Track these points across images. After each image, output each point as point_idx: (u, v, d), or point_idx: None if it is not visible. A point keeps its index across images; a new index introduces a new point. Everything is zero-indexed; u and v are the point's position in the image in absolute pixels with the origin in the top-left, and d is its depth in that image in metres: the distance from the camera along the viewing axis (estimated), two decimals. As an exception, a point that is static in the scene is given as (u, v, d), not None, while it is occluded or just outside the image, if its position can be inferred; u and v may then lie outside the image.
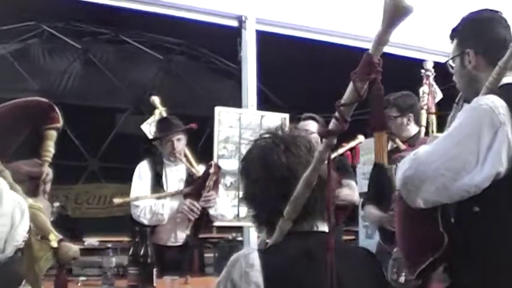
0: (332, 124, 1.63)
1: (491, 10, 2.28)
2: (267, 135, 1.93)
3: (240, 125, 5.05)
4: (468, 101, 2.26)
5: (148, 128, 4.74)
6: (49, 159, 1.97)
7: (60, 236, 1.71)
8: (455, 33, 2.29)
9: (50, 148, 1.96)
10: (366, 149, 5.33)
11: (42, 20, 10.01)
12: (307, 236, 1.83)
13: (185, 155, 4.50)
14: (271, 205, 1.82)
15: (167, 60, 10.92)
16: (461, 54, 2.22)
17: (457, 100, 2.40)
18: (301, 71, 8.93)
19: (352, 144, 4.01)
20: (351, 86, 1.55)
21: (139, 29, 9.83)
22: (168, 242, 4.37)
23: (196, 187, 4.36)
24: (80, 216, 10.04)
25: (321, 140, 1.70)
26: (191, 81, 10.78)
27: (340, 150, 4.26)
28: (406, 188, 1.98)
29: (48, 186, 1.95)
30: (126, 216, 4.72)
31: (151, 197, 4.36)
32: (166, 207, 4.32)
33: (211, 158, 4.88)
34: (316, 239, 1.80)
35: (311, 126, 4.47)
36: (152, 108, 4.92)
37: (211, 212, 4.42)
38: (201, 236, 4.78)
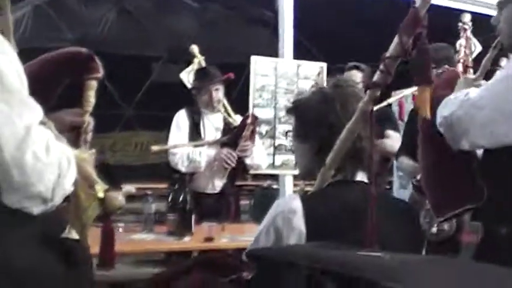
0: (376, 76, 1.65)
1: None
2: (328, 87, 1.98)
3: (276, 74, 5.06)
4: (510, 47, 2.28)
5: (187, 76, 4.78)
6: (90, 109, 2.00)
7: (106, 186, 1.76)
8: None
9: (91, 98, 1.99)
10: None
11: (77, -31, 10.03)
12: (347, 186, 1.87)
13: (223, 105, 4.55)
14: (318, 152, 1.88)
15: (202, 8, 10.85)
16: None
17: (494, 44, 2.42)
18: (341, 22, 8.84)
19: (397, 97, 4.00)
20: (396, 39, 1.57)
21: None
22: (205, 190, 4.44)
23: (233, 137, 4.42)
24: (116, 164, 10.20)
25: (365, 92, 1.73)
26: (226, 29, 10.72)
27: (384, 103, 4.26)
28: (451, 129, 2.02)
29: (89, 136, 2.00)
30: (163, 163, 4.80)
31: (189, 145, 4.41)
32: (204, 154, 4.38)
33: (246, 106, 4.92)
34: (356, 188, 1.85)
35: (356, 76, 4.47)
36: (189, 56, 4.95)
37: (247, 161, 4.48)
38: (236, 183, 4.86)
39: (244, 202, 7.37)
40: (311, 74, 5.16)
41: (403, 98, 4.16)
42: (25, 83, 1.49)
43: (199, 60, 4.80)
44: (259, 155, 4.58)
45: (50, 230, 1.58)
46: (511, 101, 1.94)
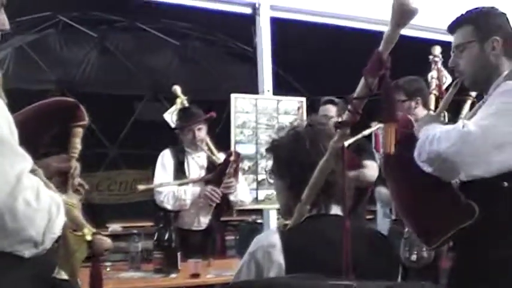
0: (345, 116, 1.76)
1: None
2: (297, 129, 2.09)
3: (257, 110, 5.17)
4: (476, 83, 2.44)
5: (171, 117, 4.89)
6: (76, 155, 2.09)
7: (94, 230, 1.84)
8: (468, 20, 2.43)
9: (77, 145, 2.07)
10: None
11: (58, 10, 10.09)
12: (323, 219, 1.97)
13: (206, 143, 4.66)
14: (295, 189, 1.98)
15: (182, 45, 10.99)
16: (485, 40, 2.37)
17: (454, 83, 2.57)
18: (318, 55, 8.99)
19: (366, 132, 4.11)
20: (362, 81, 1.68)
21: (154, 15, 9.95)
22: (191, 227, 4.55)
23: (217, 174, 4.53)
24: (102, 203, 10.21)
25: (335, 130, 1.83)
26: (207, 66, 10.85)
27: (359, 135, 4.36)
28: (445, 163, 2.12)
29: (76, 180, 2.09)
30: (148, 201, 4.86)
31: (174, 184, 4.52)
32: (189, 192, 4.49)
33: (229, 142, 5.03)
34: (332, 221, 1.94)
35: (330, 110, 4.59)
36: (171, 94, 5.05)
37: (231, 198, 4.59)
38: (222, 219, 4.95)
39: (229, 237, 7.43)
40: (291, 108, 5.28)
41: (378, 129, 4.27)
42: (15, 132, 1.58)
43: (181, 100, 4.91)
44: (242, 192, 4.69)
45: (41, 271, 1.66)
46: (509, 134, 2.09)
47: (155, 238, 3.76)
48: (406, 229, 2.99)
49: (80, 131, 2.08)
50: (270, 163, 2.02)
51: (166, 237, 3.72)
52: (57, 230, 1.60)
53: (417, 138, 2.29)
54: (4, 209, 1.48)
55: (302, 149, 1.99)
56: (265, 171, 5.06)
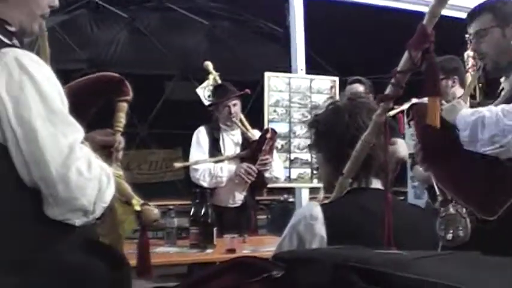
0: (388, 89, 1.78)
1: None
2: (342, 101, 2.12)
3: (290, 89, 5.20)
4: (497, 68, 2.52)
5: (203, 92, 4.93)
6: (121, 129, 2.14)
7: (142, 201, 1.90)
8: (488, 9, 2.51)
9: (122, 119, 2.12)
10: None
11: (88, -9, 10.20)
12: (364, 193, 2.00)
13: (240, 120, 4.71)
14: (334, 163, 2.02)
15: (212, 25, 11.02)
16: (505, 26, 2.46)
17: (477, 67, 2.61)
18: (348, 35, 8.97)
19: (405, 106, 4.11)
20: (406, 54, 1.70)
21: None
22: (227, 204, 4.60)
23: (252, 151, 4.59)
24: (133, 182, 10.32)
25: (378, 104, 1.86)
26: (236, 46, 10.88)
27: (392, 112, 4.37)
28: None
29: (120, 154, 2.14)
30: (177, 181, 4.93)
31: (210, 161, 4.58)
32: (225, 170, 4.55)
33: (259, 121, 5.07)
34: (373, 195, 1.96)
35: (357, 89, 4.61)
36: (201, 74, 5.09)
37: (266, 174, 4.64)
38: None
39: (261, 216, 7.46)
40: (324, 88, 5.30)
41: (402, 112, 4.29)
42: (66, 104, 1.63)
43: (214, 77, 4.95)
44: (277, 168, 4.73)
45: (90, 238, 1.72)
46: None
47: (191, 214, 3.82)
48: (442, 208, 3.00)
49: (124, 106, 2.13)
50: (303, 141, 2.06)
51: (202, 212, 3.78)
52: (107, 199, 1.64)
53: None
54: (57, 178, 1.53)
55: (341, 122, 2.01)
56: (298, 149, 5.10)
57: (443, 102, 3.87)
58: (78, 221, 1.60)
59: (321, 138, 2.09)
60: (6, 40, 1.63)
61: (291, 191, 6.55)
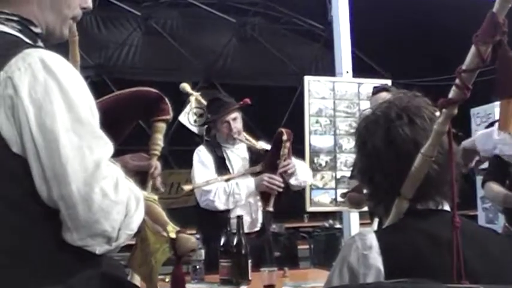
0: (452, 92, 1.74)
1: None
2: (385, 105, 2.06)
3: (334, 95, 5.20)
4: None
5: (187, 118, 4.99)
6: (158, 153, 2.17)
7: (178, 228, 1.91)
8: None
9: (159, 141, 2.16)
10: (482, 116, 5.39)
11: (95, -14, 10.31)
12: (427, 215, 1.96)
13: (243, 136, 4.75)
14: (391, 183, 1.96)
15: (241, 23, 11.07)
16: None
17: None
18: (400, 32, 8.93)
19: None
20: (472, 49, 1.67)
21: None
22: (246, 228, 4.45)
23: (268, 160, 4.60)
24: (150, 208, 10.34)
25: (440, 111, 1.84)
26: (269, 46, 10.90)
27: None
28: None
29: (157, 181, 2.16)
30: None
31: (223, 179, 4.59)
32: (242, 185, 4.56)
33: (297, 136, 5.05)
34: (437, 218, 1.94)
35: (385, 98, 4.59)
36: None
37: (292, 181, 4.65)
38: (291, 225, 4.99)
39: (302, 247, 7.43)
40: (374, 93, 5.26)
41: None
42: (96, 115, 1.65)
43: (195, 97, 5.02)
44: (302, 170, 4.74)
45: (111, 271, 1.73)
46: None
47: (222, 243, 3.83)
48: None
49: (163, 127, 2.16)
50: (350, 157, 2.03)
51: (235, 242, 3.79)
52: (134, 227, 1.65)
53: None
54: (78, 198, 1.54)
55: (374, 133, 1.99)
56: (345, 166, 5.08)
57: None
58: (99, 248, 1.61)
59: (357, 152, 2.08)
60: (29, 41, 1.66)
61: (337, 216, 6.53)
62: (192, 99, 5.04)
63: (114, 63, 10.89)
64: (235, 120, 4.67)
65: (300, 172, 4.70)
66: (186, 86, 5.10)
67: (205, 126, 4.89)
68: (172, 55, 10.70)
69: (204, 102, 4.97)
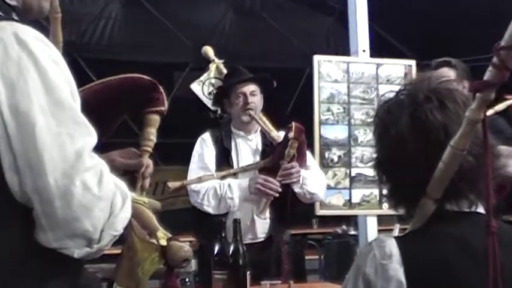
0: (488, 73, 1.71)
1: None
2: (410, 86, 2.07)
3: (349, 78, 5.18)
4: None
5: (201, 88, 4.87)
6: (150, 149, 2.18)
7: (169, 234, 1.93)
8: None
9: (152, 136, 2.17)
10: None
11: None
12: (457, 218, 1.97)
13: (260, 118, 4.66)
14: (416, 178, 1.96)
15: (238, -7, 11.07)
16: None
17: None
18: (431, 2, 8.95)
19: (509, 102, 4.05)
20: (512, 24, 1.68)
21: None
22: (244, 239, 4.32)
23: (273, 158, 4.54)
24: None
25: (473, 95, 1.83)
26: (273, 21, 10.87)
27: (491, 110, 4.32)
28: None
29: (147, 182, 2.17)
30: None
31: (219, 176, 4.55)
32: (234, 187, 4.48)
33: (305, 125, 5.02)
34: (469, 221, 1.95)
35: (447, 74, 4.56)
36: (225, 60, 5.06)
37: (296, 189, 4.55)
38: (297, 231, 4.95)
39: (311, 257, 7.42)
40: (395, 76, 5.24)
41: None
42: (78, 100, 1.66)
43: (216, 65, 4.90)
44: (312, 181, 4.63)
45: (89, 282, 1.74)
46: None
47: (215, 253, 3.84)
48: None
49: (156, 119, 2.18)
50: (368, 151, 2.00)
51: (231, 251, 3.79)
52: (119, 227, 1.67)
53: None
54: (55, 192, 1.55)
55: (396, 121, 1.99)
56: (362, 162, 5.06)
57: None
58: (78, 251, 1.62)
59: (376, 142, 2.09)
60: (2, 14, 1.67)
61: (351, 220, 6.53)
62: (213, 67, 4.92)
63: (88, 40, 10.86)
64: (254, 94, 4.62)
65: (310, 182, 4.59)
66: (209, 50, 5.01)
67: (219, 109, 4.79)
68: (157, 31, 10.67)
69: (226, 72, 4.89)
